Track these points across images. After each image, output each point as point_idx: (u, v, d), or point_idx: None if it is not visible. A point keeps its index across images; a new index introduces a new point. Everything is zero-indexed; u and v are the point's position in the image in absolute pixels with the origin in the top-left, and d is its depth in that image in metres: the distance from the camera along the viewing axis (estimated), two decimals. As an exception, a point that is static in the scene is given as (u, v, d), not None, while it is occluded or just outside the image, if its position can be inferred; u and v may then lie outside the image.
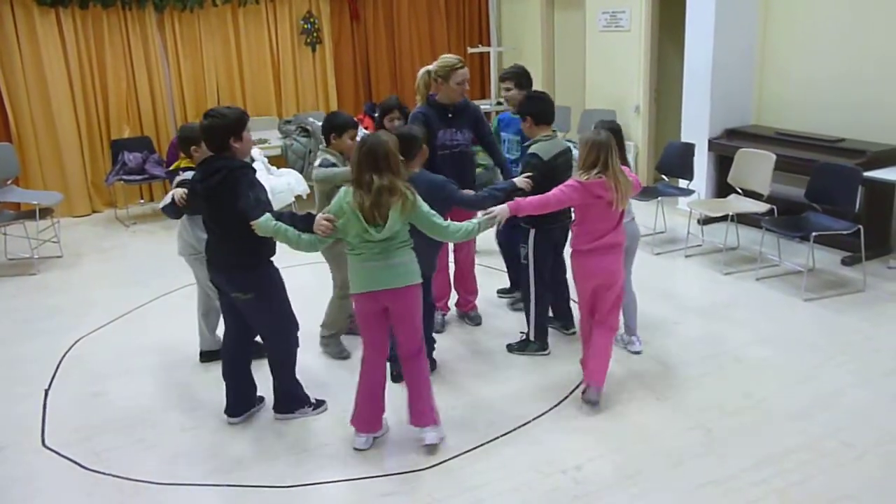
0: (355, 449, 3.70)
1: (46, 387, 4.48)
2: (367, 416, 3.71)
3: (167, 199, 4.14)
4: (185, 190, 3.93)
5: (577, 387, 4.19)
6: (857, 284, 5.45)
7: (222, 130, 3.51)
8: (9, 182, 7.34)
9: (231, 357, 3.96)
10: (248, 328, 3.89)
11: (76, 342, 5.08)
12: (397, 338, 3.63)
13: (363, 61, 9.68)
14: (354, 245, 3.44)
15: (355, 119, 4.53)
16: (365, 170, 3.31)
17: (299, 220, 3.51)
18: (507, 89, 4.86)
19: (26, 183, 7.91)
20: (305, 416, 4.00)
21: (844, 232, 5.36)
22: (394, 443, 3.76)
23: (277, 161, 7.57)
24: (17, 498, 3.48)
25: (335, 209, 3.42)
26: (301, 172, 7.48)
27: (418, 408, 3.66)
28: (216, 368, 4.52)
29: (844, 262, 5.87)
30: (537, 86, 9.47)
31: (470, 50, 9.76)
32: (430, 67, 4.63)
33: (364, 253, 3.42)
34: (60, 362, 4.80)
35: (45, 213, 6.86)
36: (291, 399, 4.01)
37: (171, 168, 3.98)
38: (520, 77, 4.85)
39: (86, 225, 7.97)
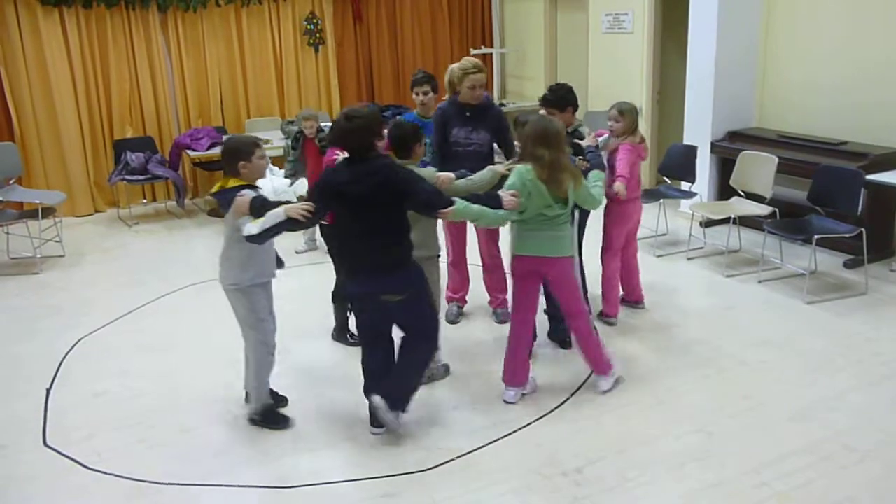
0: (505, 402, 4.05)
1: (48, 386, 4.49)
2: (514, 370, 4.06)
3: (271, 221, 3.44)
4: (305, 204, 3.48)
5: (578, 389, 4.20)
6: (860, 287, 5.45)
7: (368, 132, 3.46)
8: (12, 181, 7.35)
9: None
10: (392, 347, 3.78)
11: (78, 341, 5.09)
12: (559, 300, 4.12)
13: (366, 62, 9.69)
14: (528, 218, 3.81)
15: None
16: (539, 146, 3.69)
17: (490, 199, 3.72)
18: (426, 93, 4.92)
19: (29, 182, 7.92)
20: (394, 426, 3.90)
21: (847, 235, 5.36)
22: (396, 443, 3.76)
23: (279, 161, 7.56)
24: (18, 497, 3.48)
25: (518, 186, 3.71)
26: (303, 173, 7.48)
27: (592, 358, 4.12)
28: (217, 368, 4.54)
29: (846, 265, 5.86)
30: (539, 87, 9.46)
31: (473, 51, 9.75)
32: (454, 66, 4.74)
33: (534, 224, 3.83)
34: (62, 361, 4.81)
35: (48, 212, 6.87)
36: (409, 400, 3.83)
37: (214, 191, 3.68)
38: (432, 80, 4.99)
39: (88, 224, 7.98)
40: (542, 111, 4.50)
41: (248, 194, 3.52)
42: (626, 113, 4.76)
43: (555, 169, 3.71)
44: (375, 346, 3.79)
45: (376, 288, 3.61)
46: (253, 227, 3.43)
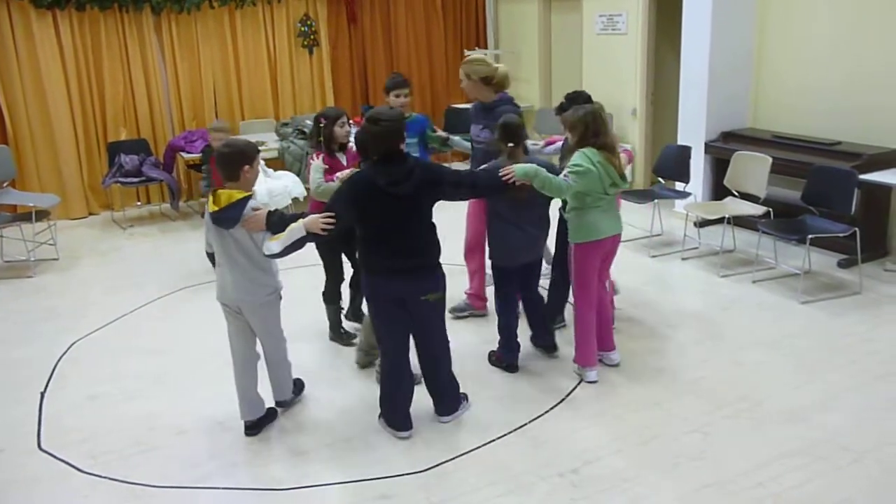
0: (588, 382, 4.25)
1: (42, 389, 4.47)
2: (587, 351, 4.27)
3: (292, 237, 3.41)
4: (324, 216, 3.41)
5: (573, 389, 4.20)
6: (854, 287, 5.46)
7: (397, 133, 3.51)
8: (5, 184, 7.33)
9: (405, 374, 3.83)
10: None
11: (72, 345, 5.07)
12: (606, 270, 4.39)
13: (360, 63, 9.68)
14: (589, 204, 4.04)
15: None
16: (601, 128, 3.99)
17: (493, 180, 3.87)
18: (406, 95, 4.98)
19: (23, 185, 7.89)
20: (466, 411, 4.02)
21: (841, 234, 5.37)
22: (391, 445, 3.76)
23: (274, 164, 7.56)
24: (14, 501, 3.47)
25: (586, 165, 3.93)
26: (298, 175, 7.47)
27: (602, 334, 4.37)
28: (212, 371, 4.53)
29: (841, 265, 5.88)
30: (533, 88, 9.46)
31: (467, 53, 9.75)
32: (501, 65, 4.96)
33: (604, 205, 4.08)
34: (56, 365, 4.79)
35: (42, 215, 6.85)
36: (458, 396, 4.02)
37: (222, 206, 3.49)
38: (409, 83, 5.13)
39: (82, 227, 7.96)
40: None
41: (261, 210, 3.53)
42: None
43: (612, 149, 4.04)
44: (402, 353, 3.78)
45: (417, 289, 3.63)
46: (274, 245, 3.42)
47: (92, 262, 6.76)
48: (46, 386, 4.52)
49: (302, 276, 5.40)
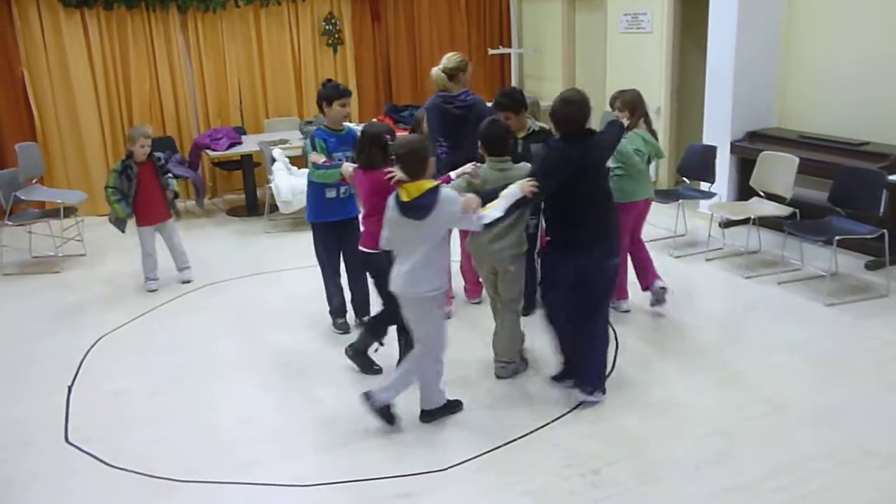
0: (621, 312, 5.05)
1: (69, 383, 4.54)
2: (619, 286, 4.81)
3: (509, 200, 3.64)
4: (530, 181, 3.67)
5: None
6: (881, 289, 5.39)
7: (588, 110, 3.85)
8: (34, 181, 7.44)
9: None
10: None
11: (98, 340, 5.14)
12: (638, 232, 5.09)
13: (384, 62, 9.71)
14: (642, 170, 4.84)
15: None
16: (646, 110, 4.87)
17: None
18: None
19: (51, 182, 8.02)
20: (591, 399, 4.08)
21: (868, 236, 5.31)
22: (411, 443, 3.78)
23: (298, 161, 7.60)
24: (41, 494, 3.53)
25: (642, 144, 4.80)
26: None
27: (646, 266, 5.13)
28: (235, 367, 4.58)
29: (868, 267, 5.80)
30: (557, 87, 9.45)
31: (491, 51, 9.76)
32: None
33: (643, 174, 4.87)
34: (83, 360, 4.86)
35: (70, 211, 6.95)
36: (601, 375, 4.12)
37: (413, 196, 3.51)
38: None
39: (109, 224, 8.03)
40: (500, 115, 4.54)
41: (468, 194, 3.68)
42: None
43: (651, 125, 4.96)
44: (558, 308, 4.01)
45: (607, 253, 3.91)
46: (493, 211, 3.62)
47: (118, 259, 6.84)
48: (74, 380, 4.59)
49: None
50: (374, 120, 7.60)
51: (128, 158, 5.75)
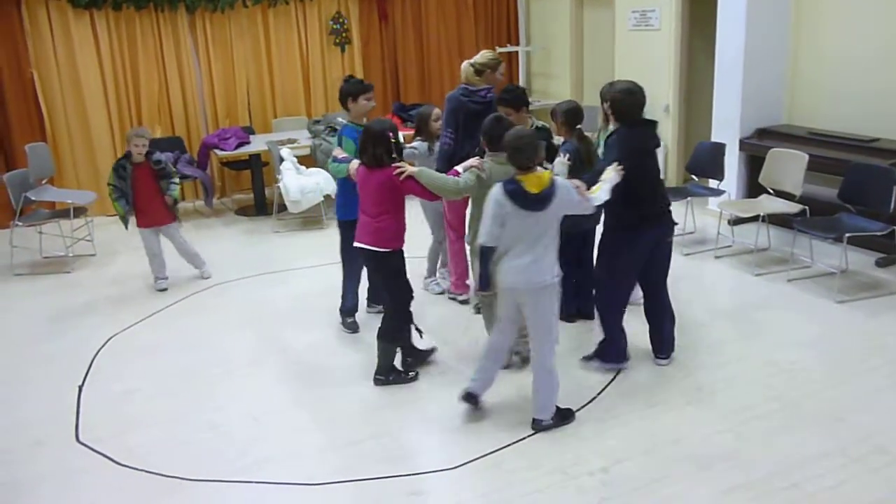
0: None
1: (80, 383, 4.57)
2: None
3: (612, 182, 3.85)
4: (616, 166, 3.92)
5: (604, 389, 4.18)
6: (892, 286, 5.36)
7: (644, 100, 4.11)
8: (44, 181, 7.47)
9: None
10: None
11: (109, 339, 5.16)
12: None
13: (392, 61, 9.71)
14: None
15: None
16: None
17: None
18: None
19: (61, 182, 8.06)
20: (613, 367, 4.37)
21: (878, 233, 5.28)
22: (422, 442, 3.78)
23: (306, 161, 7.62)
24: (52, 493, 3.55)
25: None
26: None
27: None
28: (245, 366, 4.59)
29: (878, 264, 5.78)
30: (565, 85, 9.41)
31: (499, 49, 9.73)
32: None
33: None
34: (94, 359, 4.88)
35: (80, 212, 6.98)
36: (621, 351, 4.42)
37: (541, 188, 3.57)
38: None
39: (119, 224, 8.04)
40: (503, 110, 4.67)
41: (574, 180, 3.85)
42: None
43: None
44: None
45: (669, 229, 4.25)
46: (600, 193, 3.83)
47: (128, 259, 6.86)
48: (84, 379, 4.61)
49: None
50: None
51: (123, 158, 5.79)
